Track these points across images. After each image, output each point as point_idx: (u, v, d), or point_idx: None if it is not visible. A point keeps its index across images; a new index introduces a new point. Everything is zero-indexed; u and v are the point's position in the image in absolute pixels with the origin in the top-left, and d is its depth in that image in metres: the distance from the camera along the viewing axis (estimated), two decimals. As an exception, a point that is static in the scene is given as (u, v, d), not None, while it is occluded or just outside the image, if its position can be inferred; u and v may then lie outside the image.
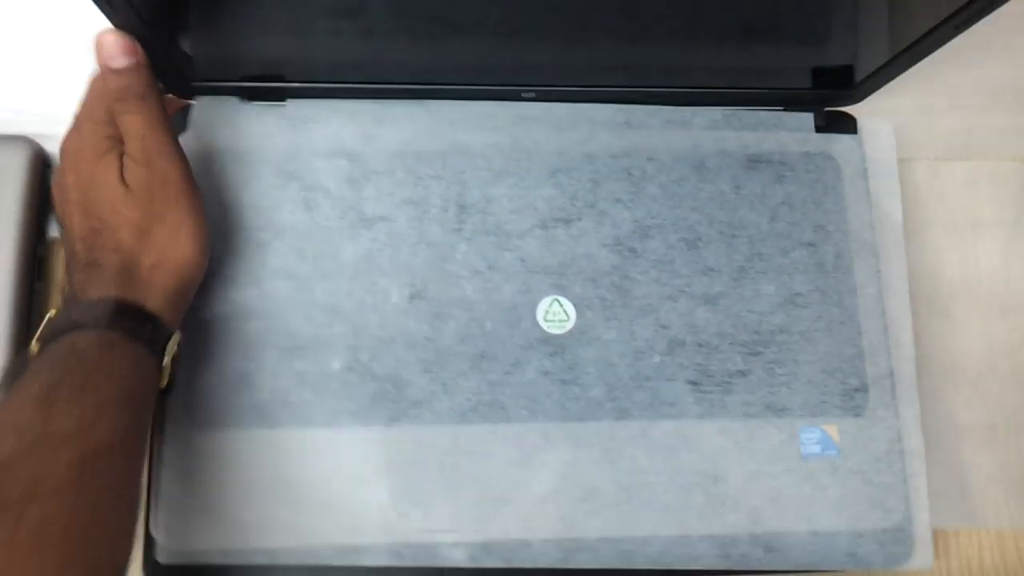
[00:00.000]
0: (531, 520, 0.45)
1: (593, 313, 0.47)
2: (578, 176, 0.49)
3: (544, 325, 0.47)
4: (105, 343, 0.38)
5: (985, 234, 0.53)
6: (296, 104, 0.49)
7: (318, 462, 0.45)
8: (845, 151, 0.51)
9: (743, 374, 0.47)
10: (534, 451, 0.45)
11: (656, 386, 0.47)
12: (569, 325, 0.47)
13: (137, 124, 0.41)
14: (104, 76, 0.40)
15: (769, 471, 0.46)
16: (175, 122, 0.48)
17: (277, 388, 0.45)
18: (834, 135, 0.51)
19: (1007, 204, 0.53)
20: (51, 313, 0.41)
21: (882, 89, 0.50)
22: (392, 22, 0.45)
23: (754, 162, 0.50)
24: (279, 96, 0.49)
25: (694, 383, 0.47)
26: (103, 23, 0.40)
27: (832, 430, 0.47)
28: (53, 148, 0.49)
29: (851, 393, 0.47)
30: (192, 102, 0.49)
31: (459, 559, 0.44)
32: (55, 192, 0.42)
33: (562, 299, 0.47)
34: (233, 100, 0.49)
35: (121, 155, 0.41)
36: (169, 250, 0.41)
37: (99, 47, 0.40)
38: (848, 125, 0.52)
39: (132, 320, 0.40)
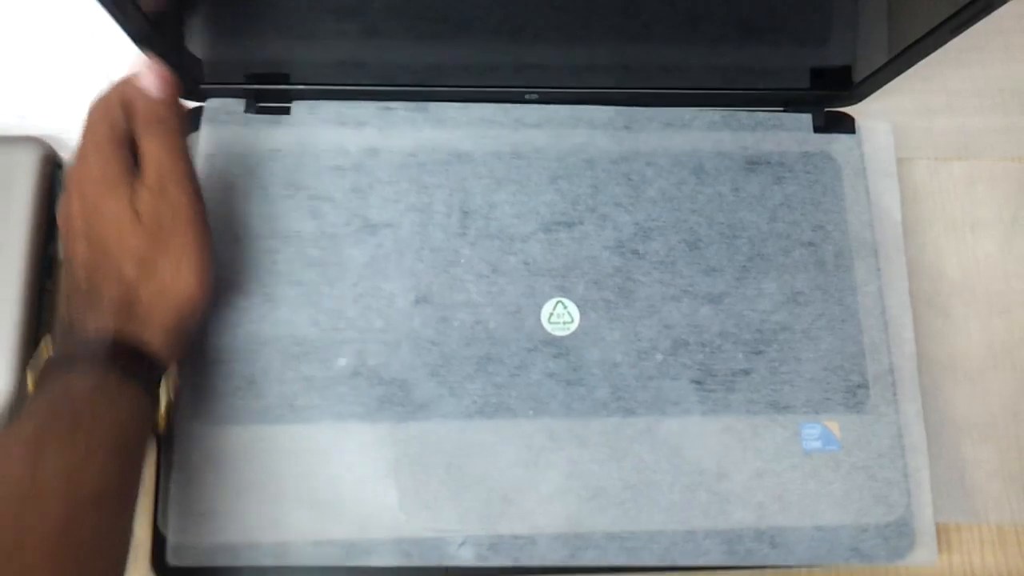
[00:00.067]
0: (538, 518, 0.45)
1: (597, 314, 0.48)
2: (579, 181, 0.50)
3: (548, 327, 0.47)
4: (99, 386, 0.38)
5: (984, 233, 0.53)
6: (302, 115, 0.49)
7: (326, 462, 0.45)
8: (844, 151, 0.51)
9: (746, 372, 0.48)
10: (540, 451, 0.46)
11: (660, 385, 0.47)
12: (573, 327, 0.48)
13: (158, 151, 0.41)
14: (132, 99, 0.41)
15: (773, 468, 0.46)
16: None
17: (284, 392, 0.46)
18: (833, 135, 0.52)
19: (1005, 203, 0.54)
20: (48, 344, 0.41)
21: (881, 90, 0.51)
22: (396, 24, 0.45)
23: (753, 163, 0.51)
24: (285, 98, 0.49)
25: (698, 382, 0.47)
26: (113, 26, 0.40)
27: (833, 426, 0.47)
28: (63, 149, 0.49)
29: (853, 389, 0.48)
30: (203, 104, 0.49)
31: (467, 558, 0.44)
32: (60, 220, 0.41)
33: (566, 301, 0.48)
34: (241, 111, 0.49)
35: (131, 183, 0.40)
36: (171, 284, 0.41)
37: (140, 74, 0.41)
38: (847, 125, 0.52)
39: (128, 359, 0.39)
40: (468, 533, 0.45)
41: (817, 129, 0.52)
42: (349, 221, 0.48)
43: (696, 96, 0.52)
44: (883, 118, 0.53)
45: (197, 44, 0.46)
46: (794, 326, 0.48)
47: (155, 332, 0.40)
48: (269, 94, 0.49)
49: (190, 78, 0.47)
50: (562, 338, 0.47)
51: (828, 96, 0.52)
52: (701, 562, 0.45)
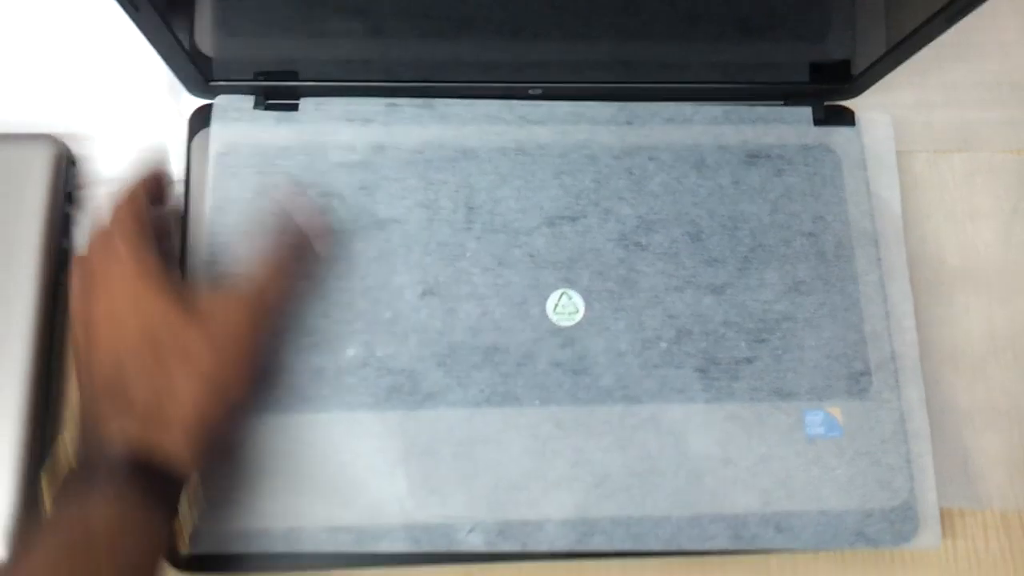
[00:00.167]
0: (545, 505, 0.46)
1: (601, 305, 0.48)
2: (582, 176, 0.51)
3: (554, 318, 0.48)
4: (118, 516, 0.36)
5: (984, 223, 0.54)
6: (310, 112, 0.50)
7: (336, 451, 0.46)
8: (844, 143, 0.52)
9: (749, 361, 0.48)
10: (547, 439, 0.46)
11: (664, 374, 0.48)
12: (578, 317, 0.48)
13: (281, 264, 0.43)
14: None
15: (777, 454, 0.47)
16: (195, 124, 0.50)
17: (295, 383, 0.46)
18: (832, 128, 0.53)
19: (1005, 194, 0.55)
20: (63, 446, 0.39)
21: (881, 84, 0.52)
22: (402, 21, 0.46)
23: (754, 156, 0.52)
24: (293, 95, 0.50)
25: (701, 370, 0.48)
26: (127, 24, 0.41)
27: (836, 412, 0.48)
28: (77, 146, 0.51)
29: (855, 376, 0.48)
30: (213, 101, 0.50)
31: (476, 544, 0.45)
32: (76, 324, 0.39)
33: (571, 292, 0.49)
34: (250, 107, 0.50)
35: (167, 277, 0.39)
36: (210, 388, 0.39)
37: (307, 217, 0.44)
38: (846, 118, 0.53)
39: (150, 476, 0.37)
40: (477, 520, 0.45)
41: (817, 122, 0.53)
42: (358, 217, 0.49)
43: (697, 91, 0.53)
44: (883, 111, 0.54)
45: (206, 41, 0.46)
46: (796, 315, 0.49)
47: (181, 443, 0.38)
48: (278, 91, 0.50)
49: (200, 75, 0.48)
50: (567, 328, 0.48)
51: (828, 89, 0.53)
52: (707, 547, 0.46)
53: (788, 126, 0.52)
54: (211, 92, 0.50)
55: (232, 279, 0.42)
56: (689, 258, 0.50)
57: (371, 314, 0.47)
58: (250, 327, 0.41)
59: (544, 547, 0.45)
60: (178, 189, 0.48)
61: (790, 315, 0.49)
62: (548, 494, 0.46)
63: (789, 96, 0.53)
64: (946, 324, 0.52)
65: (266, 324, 0.42)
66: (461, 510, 0.45)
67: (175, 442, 0.38)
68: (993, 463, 0.50)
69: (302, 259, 0.46)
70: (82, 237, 0.50)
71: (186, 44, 0.45)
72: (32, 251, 0.47)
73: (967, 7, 0.43)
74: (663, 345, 0.48)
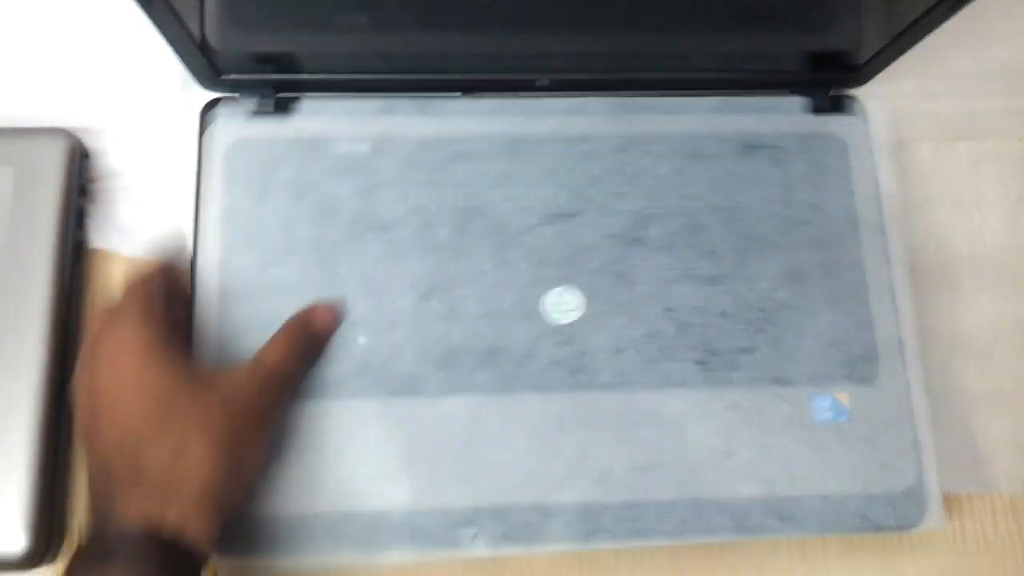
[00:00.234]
0: (549, 505, 0.46)
1: (600, 301, 0.49)
2: (578, 173, 0.51)
3: (553, 315, 0.48)
4: None
5: (990, 211, 0.54)
6: (308, 117, 0.50)
7: (338, 459, 0.46)
8: (842, 131, 0.52)
9: (749, 350, 0.48)
10: (548, 438, 0.47)
11: (665, 367, 0.48)
12: (577, 314, 0.48)
13: (290, 348, 0.43)
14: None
15: (779, 442, 0.47)
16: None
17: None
18: (830, 116, 0.53)
19: (1011, 182, 0.55)
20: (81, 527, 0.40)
21: (885, 74, 0.52)
22: (405, 14, 0.46)
23: (751, 147, 0.52)
24: (303, 88, 0.51)
25: (701, 362, 0.48)
26: (139, 17, 0.42)
27: (843, 397, 0.48)
28: (90, 140, 0.51)
29: (856, 363, 0.48)
30: (222, 101, 0.51)
31: (481, 548, 0.45)
32: (80, 399, 0.39)
33: (570, 289, 0.49)
34: (251, 112, 0.50)
35: (176, 347, 0.40)
36: (223, 457, 0.38)
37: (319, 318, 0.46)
38: (845, 106, 0.53)
39: (168, 556, 0.36)
40: (480, 522, 0.45)
41: (817, 111, 0.53)
42: (355, 224, 0.49)
43: (700, 81, 0.53)
44: (888, 101, 0.54)
45: (217, 34, 0.47)
46: (795, 303, 0.49)
47: (199, 520, 0.37)
48: (288, 84, 0.50)
49: (211, 68, 0.48)
50: (567, 326, 0.48)
51: (833, 79, 0.53)
52: (711, 539, 0.46)
53: (785, 116, 0.53)
54: (222, 85, 0.50)
55: (245, 359, 0.43)
56: (687, 251, 0.50)
57: (371, 320, 0.48)
58: (261, 396, 0.41)
59: (549, 547, 0.45)
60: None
61: (789, 304, 0.49)
62: (551, 492, 0.46)
63: (794, 85, 0.53)
64: (953, 311, 0.52)
65: (277, 397, 0.42)
66: (465, 513, 0.45)
67: (190, 514, 0.37)
68: (1001, 448, 0.50)
69: (314, 342, 0.46)
70: (95, 230, 0.51)
71: (197, 37, 0.45)
72: (46, 243, 0.47)
73: (970, -6, 0.43)
74: (663, 339, 0.48)
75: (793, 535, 0.47)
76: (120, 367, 0.38)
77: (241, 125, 0.50)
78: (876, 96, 0.54)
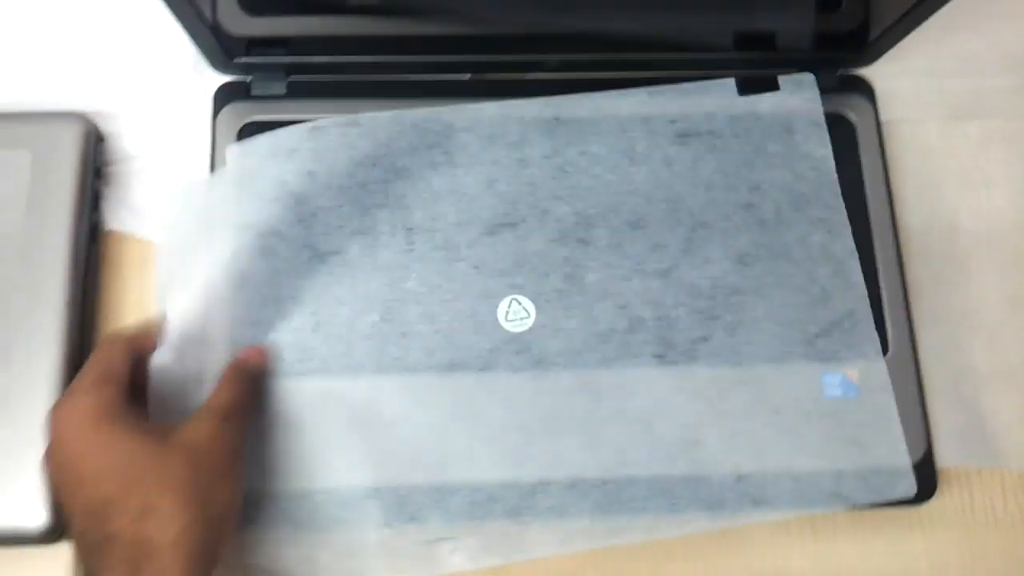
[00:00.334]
0: (523, 514, 0.46)
1: (552, 306, 0.48)
2: (515, 182, 0.50)
3: (507, 325, 0.48)
4: None
5: (998, 190, 0.54)
6: (241, 150, 0.49)
7: (308, 490, 0.46)
8: (770, 109, 0.52)
9: (705, 339, 0.48)
10: (516, 447, 0.46)
11: (623, 365, 0.48)
12: (530, 322, 0.48)
13: (234, 388, 0.43)
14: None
15: (744, 427, 0.47)
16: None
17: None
18: (758, 95, 0.52)
19: (1018, 161, 0.55)
20: None
21: (895, 54, 0.52)
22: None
23: (684, 136, 0.51)
24: (312, 71, 0.51)
25: (659, 356, 0.48)
26: (154, 2, 0.42)
27: (853, 374, 0.48)
28: (105, 124, 0.52)
29: (812, 340, 0.48)
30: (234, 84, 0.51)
31: (459, 563, 0.45)
32: (52, 472, 0.39)
33: (520, 298, 0.48)
34: (258, 102, 0.51)
35: (136, 416, 0.39)
36: (192, 508, 0.38)
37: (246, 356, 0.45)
38: (770, 84, 0.53)
39: None
40: (457, 539, 0.45)
41: (744, 91, 0.52)
42: (299, 253, 0.48)
43: (697, 62, 0.53)
44: (896, 80, 0.55)
45: (230, 18, 0.48)
46: (745, 287, 0.49)
47: (171, 565, 0.36)
48: (301, 67, 0.51)
49: (224, 52, 0.49)
50: (521, 334, 0.48)
51: (841, 58, 0.53)
52: (689, 530, 0.46)
53: (714, 99, 0.52)
54: (234, 69, 0.51)
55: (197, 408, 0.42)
56: (632, 247, 0.49)
57: (324, 350, 0.47)
58: (222, 442, 0.40)
59: (527, 556, 0.46)
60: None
61: (739, 288, 0.49)
62: (524, 503, 0.46)
63: (801, 65, 0.53)
64: (962, 289, 0.52)
65: (235, 438, 0.41)
66: (440, 530, 0.46)
67: (166, 570, 0.36)
68: (1011, 423, 0.50)
69: (254, 381, 0.45)
70: (110, 212, 0.51)
71: (209, 20, 0.46)
72: (62, 225, 0.48)
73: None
74: (618, 337, 0.48)
75: (768, 517, 0.47)
76: (76, 437, 0.38)
77: (253, 108, 0.50)
78: (886, 76, 0.54)
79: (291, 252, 0.48)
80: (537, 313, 0.48)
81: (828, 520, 0.48)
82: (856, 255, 0.50)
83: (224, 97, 0.51)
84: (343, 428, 0.46)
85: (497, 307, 0.48)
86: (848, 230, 0.50)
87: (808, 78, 0.53)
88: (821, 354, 0.48)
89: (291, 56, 0.50)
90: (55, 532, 0.45)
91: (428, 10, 0.49)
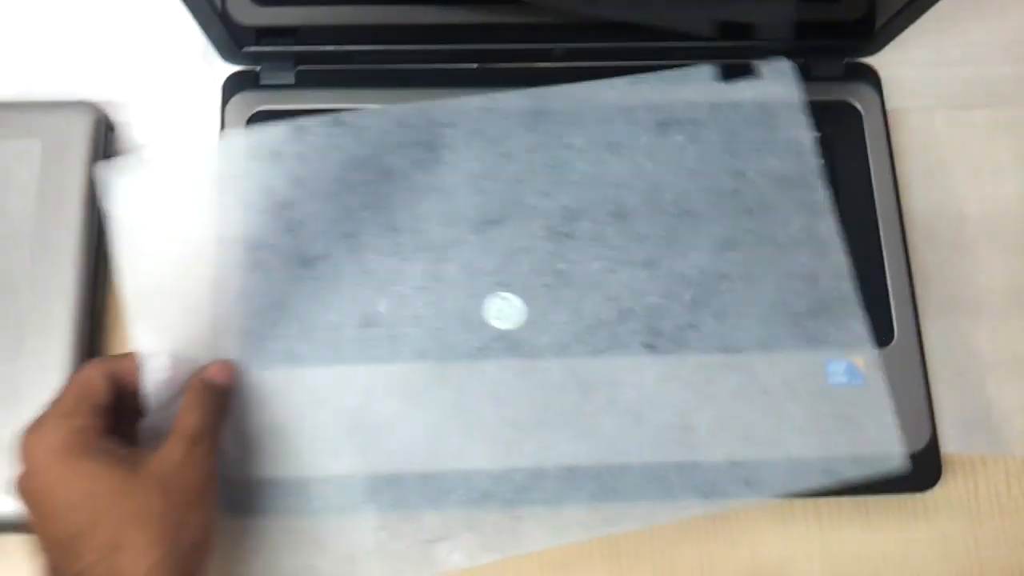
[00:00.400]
0: (519, 508, 0.46)
1: (540, 302, 0.48)
2: (498, 178, 0.50)
3: (496, 323, 0.48)
4: None
5: (1005, 177, 0.54)
6: (223, 147, 0.49)
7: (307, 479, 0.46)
8: (748, 95, 0.52)
9: (693, 326, 0.48)
10: (510, 443, 0.46)
11: (613, 356, 0.48)
12: (520, 318, 0.48)
13: (201, 408, 0.41)
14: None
15: (735, 412, 0.47)
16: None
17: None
18: (736, 82, 0.52)
19: (1024, 149, 0.55)
20: None
21: (900, 41, 0.52)
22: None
23: (664, 124, 0.51)
24: (321, 61, 0.51)
25: (649, 345, 0.48)
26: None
27: (859, 362, 0.48)
28: (115, 113, 0.52)
29: (801, 323, 0.48)
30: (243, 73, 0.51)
31: (458, 561, 0.45)
32: (23, 501, 0.38)
33: (508, 295, 0.48)
34: (267, 91, 0.51)
35: (115, 442, 0.38)
36: (163, 534, 0.37)
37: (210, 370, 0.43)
38: (748, 70, 0.52)
39: None
40: (454, 538, 0.45)
41: (723, 78, 0.52)
42: (287, 261, 0.48)
43: (702, 49, 0.53)
44: (902, 69, 0.55)
45: (240, 7, 0.48)
46: (731, 273, 0.49)
47: None
48: (310, 56, 0.51)
49: (234, 41, 0.49)
50: (511, 331, 0.48)
51: (847, 46, 0.53)
52: (684, 515, 0.46)
53: (694, 87, 0.52)
54: (243, 58, 0.51)
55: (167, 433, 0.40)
56: (617, 238, 0.49)
57: (314, 358, 0.47)
58: (193, 467, 0.39)
59: (523, 550, 0.46)
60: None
61: (725, 274, 0.49)
62: (519, 497, 0.46)
63: (808, 53, 0.53)
64: (968, 276, 0.53)
65: (207, 462, 0.40)
66: (437, 530, 0.45)
67: None
68: (1016, 411, 0.50)
69: (221, 398, 0.44)
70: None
71: (219, 8, 0.46)
72: (73, 214, 0.48)
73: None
74: (606, 328, 0.48)
75: (761, 496, 0.47)
76: (45, 469, 0.37)
77: (262, 98, 0.51)
78: (893, 64, 0.54)
79: (280, 263, 0.48)
80: (526, 309, 0.48)
81: (833, 507, 0.49)
82: (840, 237, 0.50)
83: (233, 86, 0.51)
84: (336, 424, 0.46)
85: (484, 305, 0.48)
86: (831, 213, 0.50)
87: (785, 64, 0.52)
88: (811, 337, 0.48)
89: (300, 45, 0.51)
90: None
91: (436, -1, 0.49)
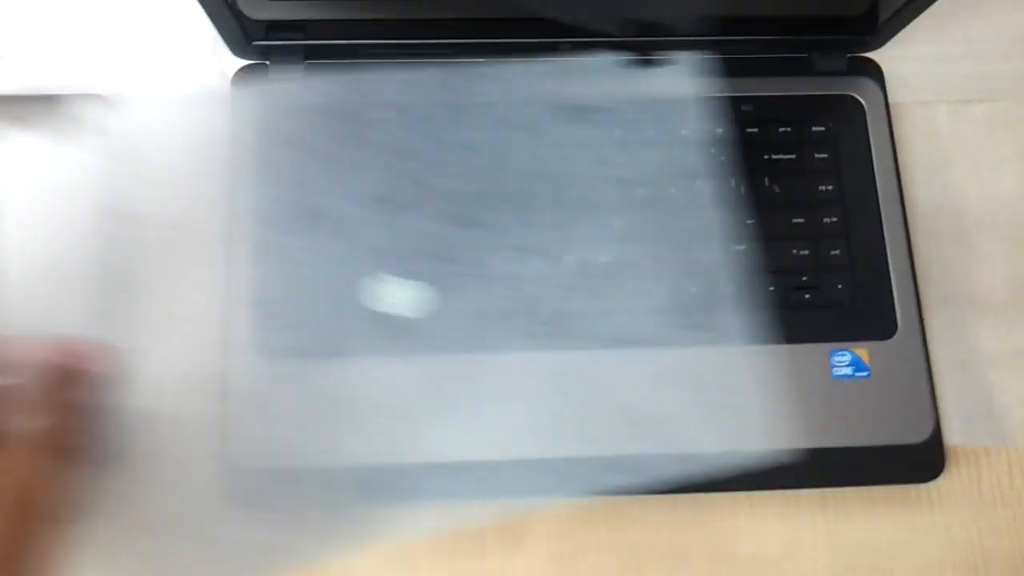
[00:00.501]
0: (405, 498, 0.45)
1: (432, 288, 0.47)
2: (398, 157, 0.49)
3: (382, 308, 0.47)
4: None
5: (1006, 172, 0.55)
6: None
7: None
8: (652, 87, 0.51)
9: (586, 315, 0.48)
10: (396, 437, 0.46)
11: (508, 344, 0.47)
12: (417, 305, 0.47)
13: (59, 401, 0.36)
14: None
15: (624, 403, 0.47)
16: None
17: None
18: (640, 72, 0.52)
19: (1026, 144, 0.56)
20: None
21: (902, 36, 0.53)
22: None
23: (570, 113, 0.50)
24: (330, 55, 0.52)
25: (537, 335, 0.47)
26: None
27: (863, 353, 0.49)
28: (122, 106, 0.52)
29: (698, 311, 0.48)
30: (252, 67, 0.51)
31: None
32: None
33: (406, 281, 0.47)
34: (277, 85, 0.51)
35: None
36: None
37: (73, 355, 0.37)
38: (655, 63, 0.52)
39: None
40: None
41: (630, 68, 0.52)
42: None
43: (706, 43, 0.53)
44: (905, 64, 0.55)
45: (250, 1, 0.48)
46: (627, 261, 0.49)
47: None
48: (319, 50, 0.51)
49: (243, 35, 0.49)
50: (398, 317, 0.47)
51: (849, 41, 0.54)
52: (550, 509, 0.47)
53: (599, 76, 0.51)
54: (252, 52, 0.51)
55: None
56: (512, 226, 0.49)
57: (195, 337, 0.46)
58: (33, 487, 0.35)
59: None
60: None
61: (623, 262, 0.49)
62: (406, 483, 0.45)
63: (811, 48, 0.54)
64: (969, 269, 0.53)
65: (58, 477, 0.36)
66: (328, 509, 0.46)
67: None
68: (1019, 402, 0.51)
69: (81, 384, 0.38)
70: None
71: (230, 3, 0.46)
72: (83, 207, 0.49)
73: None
74: (504, 318, 0.47)
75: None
76: None
77: (272, 92, 0.51)
78: (894, 59, 0.55)
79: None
80: (415, 295, 0.47)
81: (838, 498, 0.49)
82: (731, 233, 0.49)
83: (243, 80, 0.52)
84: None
85: (379, 292, 0.47)
86: (725, 207, 0.50)
87: (694, 58, 0.51)
88: (711, 326, 0.47)
89: (309, 39, 0.51)
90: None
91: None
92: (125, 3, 0.54)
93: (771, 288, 0.50)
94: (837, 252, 0.51)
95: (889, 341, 0.49)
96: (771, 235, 0.51)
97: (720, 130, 0.51)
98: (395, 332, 0.47)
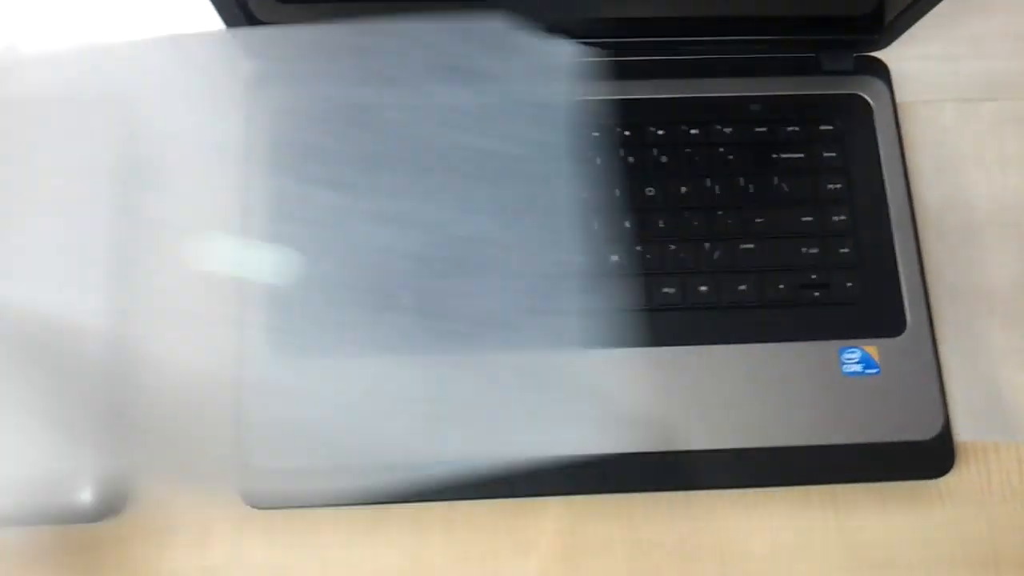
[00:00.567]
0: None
1: (292, 252, 0.46)
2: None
3: (255, 276, 0.46)
4: None
5: (1013, 169, 0.55)
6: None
7: None
8: (530, 60, 0.50)
9: (464, 295, 0.47)
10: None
11: (379, 319, 0.46)
12: (272, 270, 0.46)
13: None
14: None
15: (487, 400, 0.46)
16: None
17: None
18: (519, 43, 0.50)
19: (1032, 141, 0.56)
20: None
21: (909, 35, 0.53)
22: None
23: (445, 72, 0.49)
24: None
25: (424, 318, 0.46)
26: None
27: (873, 351, 0.49)
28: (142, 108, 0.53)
29: (547, 298, 0.47)
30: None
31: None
32: None
33: (258, 245, 0.46)
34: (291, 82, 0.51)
35: None
36: None
37: None
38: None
39: None
40: None
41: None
42: None
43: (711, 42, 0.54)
44: (911, 63, 0.56)
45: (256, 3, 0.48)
46: (498, 239, 0.47)
47: None
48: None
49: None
50: (273, 288, 0.46)
51: (856, 41, 0.54)
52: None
53: (478, 38, 0.49)
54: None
55: None
56: (371, 192, 0.47)
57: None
58: None
59: None
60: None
61: (492, 240, 0.47)
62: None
63: (818, 47, 0.54)
64: (978, 266, 0.53)
65: None
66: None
67: None
68: (1027, 399, 0.51)
69: None
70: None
71: (243, 6, 0.47)
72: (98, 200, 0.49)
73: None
74: (370, 294, 0.46)
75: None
76: None
77: (286, 88, 0.51)
78: (901, 58, 0.55)
79: None
80: (277, 261, 0.46)
81: (848, 494, 0.49)
82: (624, 211, 0.48)
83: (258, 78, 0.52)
84: None
85: (245, 258, 0.46)
86: (612, 184, 0.49)
87: (566, 48, 0.49)
88: (547, 308, 0.46)
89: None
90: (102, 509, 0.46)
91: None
92: (137, 3, 0.55)
93: (781, 286, 0.50)
94: (846, 250, 0.51)
95: (899, 338, 0.50)
96: (780, 233, 0.51)
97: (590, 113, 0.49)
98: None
